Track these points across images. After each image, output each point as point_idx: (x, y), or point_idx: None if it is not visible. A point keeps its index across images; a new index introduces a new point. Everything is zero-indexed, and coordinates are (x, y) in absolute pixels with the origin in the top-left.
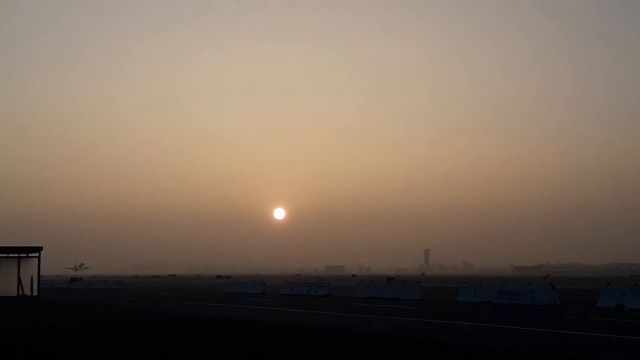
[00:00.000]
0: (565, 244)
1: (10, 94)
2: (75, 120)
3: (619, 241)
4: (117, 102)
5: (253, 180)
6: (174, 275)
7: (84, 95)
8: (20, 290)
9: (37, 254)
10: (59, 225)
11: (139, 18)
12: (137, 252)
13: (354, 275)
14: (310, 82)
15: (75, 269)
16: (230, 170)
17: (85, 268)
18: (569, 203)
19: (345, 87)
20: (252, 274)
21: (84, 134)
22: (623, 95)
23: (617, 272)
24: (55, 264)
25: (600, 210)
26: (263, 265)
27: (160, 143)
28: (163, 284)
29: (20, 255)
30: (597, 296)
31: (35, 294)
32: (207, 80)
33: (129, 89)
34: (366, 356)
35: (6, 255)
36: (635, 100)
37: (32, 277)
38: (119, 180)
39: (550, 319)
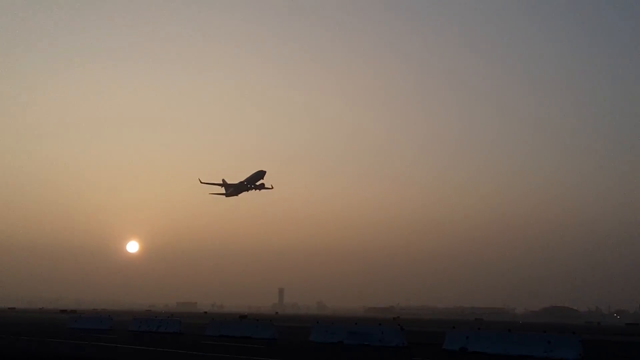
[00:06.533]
0: (416, 286)
1: None
2: None
3: (465, 285)
4: None
5: (105, 212)
6: (14, 308)
7: None
8: None
9: None
10: None
11: None
12: None
13: (206, 313)
14: (170, 114)
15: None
16: (82, 201)
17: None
18: (419, 246)
19: (205, 122)
20: (99, 309)
21: None
22: (483, 140)
23: (463, 316)
24: None
25: (449, 254)
26: (112, 300)
27: (8, 170)
28: (1, 318)
29: None
30: (443, 338)
31: None
32: (63, 110)
33: None
34: None
35: None
36: (494, 144)
37: None
38: None
39: None
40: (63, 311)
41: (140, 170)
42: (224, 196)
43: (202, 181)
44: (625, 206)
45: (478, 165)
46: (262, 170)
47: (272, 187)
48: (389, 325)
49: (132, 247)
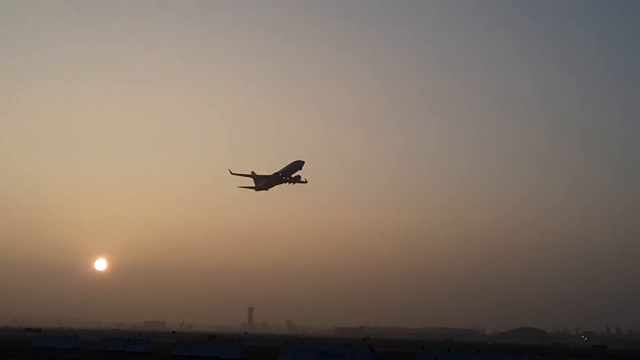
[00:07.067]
0: (386, 307)
1: None
2: None
3: (435, 306)
4: None
5: (73, 229)
6: None
7: None
8: None
9: None
10: None
11: None
12: None
13: (174, 332)
14: (137, 132)
15: None
16: (49, 218)
17: None
18: (390, 267)
19: (168, 139)
20: (66, 327)
21: None
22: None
23: (433, 337)
24: None
25: (419, 275)
26: (79, 318)
27: None
28: None
29: None
30: (413, 359)
31: None
32: (32, 128)
33: None
34: None
35: None
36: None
37: None
38: None
39: None
40: (29, 330)
41: (109, 188)
42: (253, 190)
43: (233, 172)
44: (594, 230)
45: (447, 189)
46: (300, 161)
47: (307, 181)
48: (359, 346)
49: (100, 264)
